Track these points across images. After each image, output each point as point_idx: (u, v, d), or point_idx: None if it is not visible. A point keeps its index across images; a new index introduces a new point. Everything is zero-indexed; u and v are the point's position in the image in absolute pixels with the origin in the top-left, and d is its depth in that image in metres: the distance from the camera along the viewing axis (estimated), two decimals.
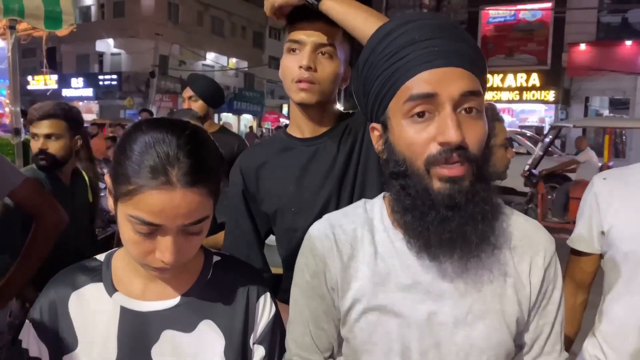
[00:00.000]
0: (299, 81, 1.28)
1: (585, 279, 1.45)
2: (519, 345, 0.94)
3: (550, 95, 17.34)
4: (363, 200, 1.00)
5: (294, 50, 1.31)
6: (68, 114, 2.23)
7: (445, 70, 0.81)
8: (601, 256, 1.43)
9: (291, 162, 1.37)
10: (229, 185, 1.47)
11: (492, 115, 1.86)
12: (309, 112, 1.36)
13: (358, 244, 0.92)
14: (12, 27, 3.01)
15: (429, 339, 0.87)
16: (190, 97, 2.93)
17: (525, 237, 0.92)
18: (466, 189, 0.81)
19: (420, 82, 0.81)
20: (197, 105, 2.90)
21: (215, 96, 2.98)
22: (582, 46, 16.01)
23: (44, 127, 2.17)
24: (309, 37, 1.28)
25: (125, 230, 0.86)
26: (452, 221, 0.81)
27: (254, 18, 33.23)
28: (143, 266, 0.90)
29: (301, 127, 1.39)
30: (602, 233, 1.38)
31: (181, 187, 0.81)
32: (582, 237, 1.41)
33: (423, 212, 0.82)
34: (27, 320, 0.97)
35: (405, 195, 0.84)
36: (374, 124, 0.92)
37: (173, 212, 0.81)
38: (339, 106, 1.46)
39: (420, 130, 0.82)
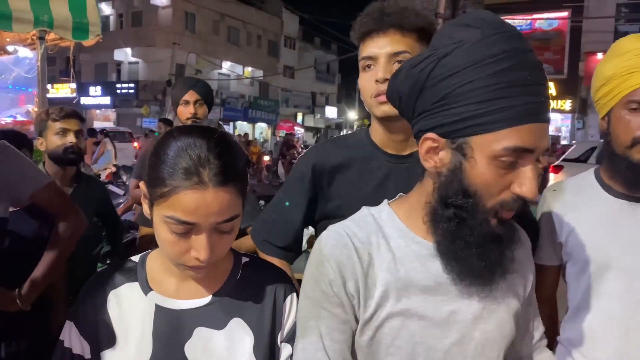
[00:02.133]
0: (378, 95, 1.25)
1: (549, 292, 1.47)
2: None
3: (567, 104, 17.24)
4: (366, 208, 1.00)
5: (368, 66, 1.27)
6: (83, 118, 2.42)
7: (544, 125, 0.82)
8: (561, 268, 1.44)
9: (371, 174, 1.34)
10: (293, 172, 1.47)
11: None
12: (394, 128, 1.30)
13: (374, 251, 0.92)
14: (41, 38, 3.11)
15: (451, 337, 0.91)
16: (196, 102, 2.66)
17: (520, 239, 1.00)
18: (510, 226, 0.88)
19: (525, 135, 0.80)
20: (203, 111, 2.69)
21: (212, 101, 2.80)
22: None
23: (74, 124, 2.31)
24: (381, 48, 1.24)
25: (162, 231, 0.90)
26: (494, 252, 0.86)
27: (269, 27, 33.52)
28: (178, 266, 0.94)
29: (386, 144, 1.34)
30: (560, 244, 1.40)
31: (213, 187, 0.85)
32: (542, 250, 1.43)
33: (477, 243, 0.85)
34: (67, 321, 1.02)
35: (462, 226, 0.86)
36: (432, 135, 0.86)
37: (206, 211, 0.86)
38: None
39: (502, 175, 0.82)
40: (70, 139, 2.28)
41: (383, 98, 1.22)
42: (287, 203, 1.45)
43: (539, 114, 0.81)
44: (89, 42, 3.22)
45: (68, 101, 19.85)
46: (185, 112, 2.66)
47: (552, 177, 9.58)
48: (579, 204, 1.39)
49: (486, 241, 0.85)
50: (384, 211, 0.97)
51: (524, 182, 0.82)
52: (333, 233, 0.95)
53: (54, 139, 2.28)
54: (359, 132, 1.44)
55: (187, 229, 0.88)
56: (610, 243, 1.30)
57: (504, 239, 0.86)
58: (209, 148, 0.88)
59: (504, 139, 0.80)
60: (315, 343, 0.92)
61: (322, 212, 1.40)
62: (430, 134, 0.87)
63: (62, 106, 2.36)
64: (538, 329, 1.10)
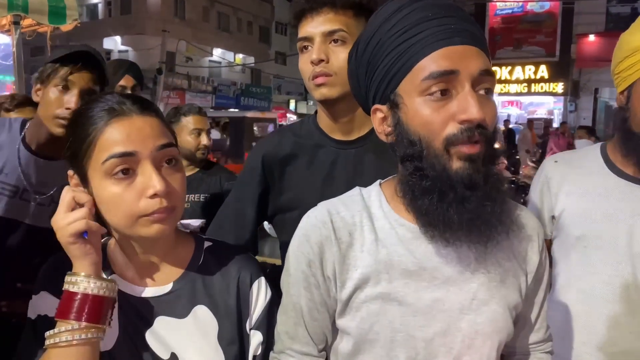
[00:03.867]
0: (315, 77, 1.22)
1: None
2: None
3: (559, 87, 17.21)
4: (358, 188, 0.97)
5: (305, 47, 1.25)
6: (36, 103, 2.32)
7: (463, 48, 0.80)
8: (550, 242, 1.41)
9: (320, 163, 1.31)
10: (244, 167, 1.44)
11: None
12: (336, 111, 1.28)
13: (357, 231, 0.90)
14: (16, 23, 3.04)
15: (434, 327, 0.86)
16: (134, 87, 2.51)
17: (519, 222, 0.92)
18: (483, 168, 0.80)
19: (438, 59, 0.79)
20: None
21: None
22: (591, 37, 15.84)
23: (28, 112, 2.22)
24: (315, 28, 1.22)
25: (107, 190, 0.85)
26: (471, 201, 0.79)
27: (260, 13, 33.21)
28: (139, 223, 0.86)
29: (332, 129, 1.32)
30: (553, 217, 1.37)
31: (136, 114, 0.87)
32: None
33: (442, 192, 0.80)
34: (34, 297, 0.96)
35: (422, 177, 0.82)
36: (377, 106, 0.89)
37: (139, 135, 0.85)
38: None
39: (438, 108, 0.79)
40: None
41: (320, 80, 1.21)
42: (239, 199, 1.42)
43: (449, 38, 0.80)
44: (66, 26, 3.15)
45: None
46: None
47: None
48: (579, 179, 1.34)
49: (453, 185, 0.79)
50: (374, 191, 0.95)
51: (464, 106, 0.78)
52: (316, 211, 0.94)
53: None
54: (307, 120, 1.41)
55: (130, 165, 0.84)
56: (606, 223, 1.26)
57: (477, 182, 0.79)
58: (120, 94, 0.90)
59: (420, 72, 0.80)
60: (296, 318, 0.94)
61: (275, 206, 1.37)
62: (375, 106, 0.90)
63: (14, 94, 2.28)
64: (540, 330, 1.01)
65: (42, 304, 0.95)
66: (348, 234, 0.89)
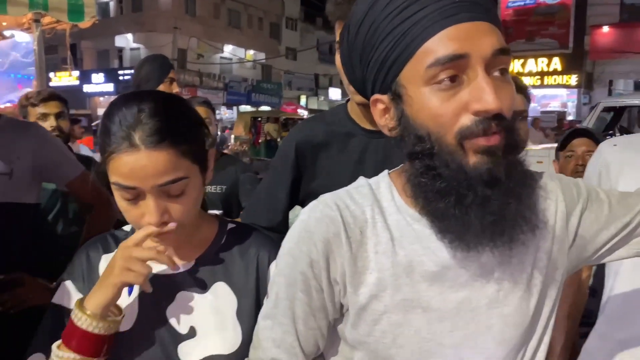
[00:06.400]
0: None
1: (573, 274, 1.29)
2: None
3: (573, 79, 17.03)
4: (363, 178, 0.86)
5: None
6: (64, 99, 2.41)
7: (472, 25, 0.69)
8: None
9: (351, 151, 1.36)
10: (277, 154, 1.50)
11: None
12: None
13: (369, 229, 0.78)
14: (37, 21, 3.09)
15: (464, 330, 0.77)
16: (176, 81, 2.65)
17: (544, 191, 0.83)
18: (504, 160, 0.70)
19: (445, 41, 0.68)
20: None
21: None
22: (605, 28, 15.66)
23: (53, 107, 2.31)
24: None
25: (117, 198, 0.93)
26: (492, 201, 0.69)
27: (270, 9, 33.21)
28: None
29: (363, 119, 1.36)
30: None
31: (145, 149, 0.87)
32: None
33: (460, 194, 0.70)
34: (62, 283, 1.04)
35: (434, 177, 0.71)
36: (377, 96, 0.78)
37: (141, 173, 0.87)
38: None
39: (448, 98, 0.69)
40: (51, 122, 2.28)
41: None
42: (272, 184, 1.48)
43: (456, 14, 0.68)
44: (85, 23, 3.19)
45: (72, 89, 19.92)
46: (170, 90, 2.60)
47: None
48: None
49: (472, 184, 0.69)
50: (383, 182, 0.83)
51: (478, 94, 0.68)
52: (321, 204, 0.82)
53: (39, 123, 2.26)
54: (338, 108, 1.46)
55: (134, 194, 0.89)
56: None
57: (498, 177, 0.69)
58: (140, 109, 0.89)
59: (424, 57, 0.69)
60: (286, 325, 0.82)
61: (307, 191, 1.43)
62: (374, 96, 0.79)
63: (41, 89, 2.37)
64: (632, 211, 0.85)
65: (65, 293, 1.03)
66: (359, 232, 0.78)
